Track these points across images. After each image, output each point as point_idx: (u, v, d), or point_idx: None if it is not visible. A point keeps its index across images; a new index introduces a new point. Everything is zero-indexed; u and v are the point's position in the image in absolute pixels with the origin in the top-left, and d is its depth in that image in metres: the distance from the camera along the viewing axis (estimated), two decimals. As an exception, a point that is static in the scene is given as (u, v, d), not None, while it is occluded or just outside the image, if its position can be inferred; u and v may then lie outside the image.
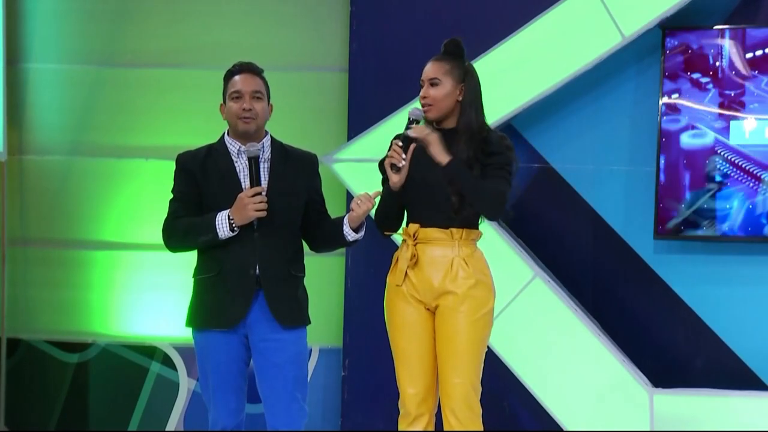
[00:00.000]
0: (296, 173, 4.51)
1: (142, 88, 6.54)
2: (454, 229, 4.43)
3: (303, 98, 6.36)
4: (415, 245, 4.46)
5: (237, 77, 4.46)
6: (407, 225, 4.53)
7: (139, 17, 6.55)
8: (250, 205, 4.32)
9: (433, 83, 4.46)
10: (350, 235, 4.48)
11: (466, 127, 4.45)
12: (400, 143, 4.44)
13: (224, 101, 4.48)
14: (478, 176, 4.38)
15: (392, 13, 6.26)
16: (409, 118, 4.47)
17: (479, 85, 4.51)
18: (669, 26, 5.94)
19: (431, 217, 4.45)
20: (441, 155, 4.37)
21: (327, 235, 4.55)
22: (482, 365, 4.47)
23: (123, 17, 6.56)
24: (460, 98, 4.47)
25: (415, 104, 4.59)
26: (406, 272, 4.47)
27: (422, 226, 4.46)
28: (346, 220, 4.47)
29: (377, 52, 6.25)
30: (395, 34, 6.24)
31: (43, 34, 6.58)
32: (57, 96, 6.59)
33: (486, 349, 4.49)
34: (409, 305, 4.49)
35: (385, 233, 4.63)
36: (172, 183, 4.53)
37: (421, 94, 4.48)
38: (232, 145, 4.47)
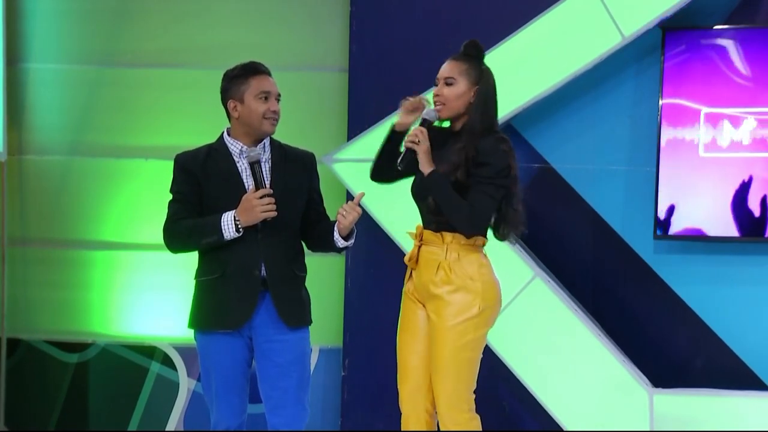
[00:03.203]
0: (297, 172, 4.50)
1: (142, 88, 6.54)
2: (445, 233, 4.45)
3: (303, 98, 6.36)
4: (419, 246, 4.49)
5: (263, 78, 4.41)
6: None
7: (139, 17, 6.55)
8: (259, 207, 4.30)
9: (448, 82, 4.46)
10: (339, 242, 4.47)
11: (468, 131, 4.45)
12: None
13: (238, 99, 4.42)
14: (465, 180, 4.37)
15: (392, 14, 6.26)
16: (422, 118, 4.47)
17: (493, 90, 4.50)
18: (669, 26, 5.94)
19: (429, 220, 4.50)
20: (424, 166, 4.40)
21: (321, 237, 4.53)
22: (471, 372, 4.45)
23: (123, 17, 6.56)
24: (473, 100, 4.47)
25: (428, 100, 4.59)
26: (411, 273, 4.53)
27: (424, 228, 4.50)
28: (335, 227, 4.46)
29: (377, 53, 6.25)
30: (395, 35, 6.24)
31: (43, 34, 6.58)
32: (57, 96, 6.59)
33: (477, 355, 4.47)
34: (411, 304, 4.55)
35: (373, 179, 4.64)
36: (171, 183, 4.52)
37: (434, 91, 4.48)
38: (234, 146, 4.45)
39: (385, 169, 4.61)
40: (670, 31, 5.95)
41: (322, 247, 4.56)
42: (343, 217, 4.39)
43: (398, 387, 4.56)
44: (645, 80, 6.09)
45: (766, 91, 5.86)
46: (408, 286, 4.56)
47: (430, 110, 4.49)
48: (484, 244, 4.51)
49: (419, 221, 4.64)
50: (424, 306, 4.50)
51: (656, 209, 5.98)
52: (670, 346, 6.13)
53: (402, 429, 4.54)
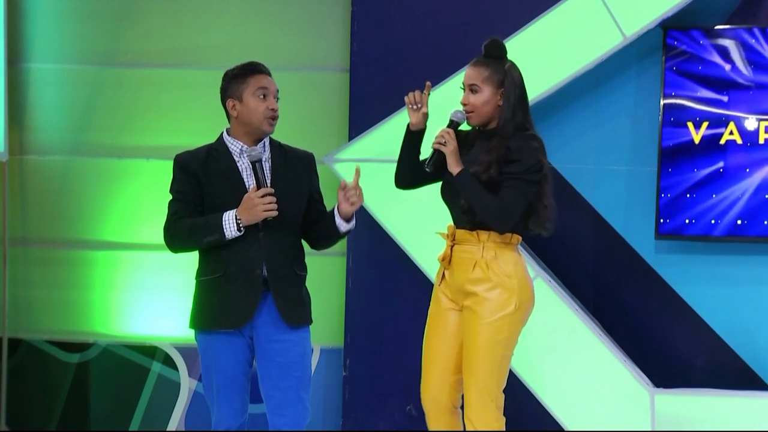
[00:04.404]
0: (297, 172, 4.51)
1: (142, 88, 6.54)
2: (480, 231, 4.46)
3: (304, 98, 6.36)
4: (452, 246, 4.51)
5: (262, 76, 4.42)
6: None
7: (139, 17, 6.55)
8: (260, 205, 4.30)
9: (473, 90, 4.48)
10: (342, 225, 4.48)
11: (500, 131, 4.47)
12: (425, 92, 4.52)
13: (237, 98, 4.42)
14: (495, 178, 4.39)
15: (393, 14, 6.26)
16: (450, 120, 4.50)
17: (519, 87, 4.50)
18: (670, 26, 5.94)
19: (463, 220, 4.51)
20: (453, 166, 4.42)
21: (323, 232, 4.54)
22: (502, 370, 4.48)
23: (123, 17, 6.56)
24: (500, 103, 4.48)
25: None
26: (443, 273, 4.55)
27: (457, 227, 4.52)
28: (336, 212, 4.46)
29: (378, 53, 6.25)
30: (396, 35, 6.24)
31: (44, 34, 6.58)
32: (57, 96, 6.59)
33: (509, 353, 4.50)
34: (442, 304, 4.57)
35: (398, 186, 4.66)
36: (171, 183, 4.52)
37: (461, 99, 4.51)
38: (234, 145, 4.45)
39: (408, 174, 4.63)
40: (672, 31, 5.95)
41: (324, 242, 4.57)
42: (351, 204, 4.40)
43: (421, 386, 4.59)
44: (646, 80, 6.10)
45: (767, 91, 5.86)
46: (441, 286, 4.57)
47: (457, 112, 4.51)
48: (519, 242, 4.53)
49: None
50: (456, 305, 4.52)
51: (657, 209, 5.97)
52: (671, 346, 6.13)
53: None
